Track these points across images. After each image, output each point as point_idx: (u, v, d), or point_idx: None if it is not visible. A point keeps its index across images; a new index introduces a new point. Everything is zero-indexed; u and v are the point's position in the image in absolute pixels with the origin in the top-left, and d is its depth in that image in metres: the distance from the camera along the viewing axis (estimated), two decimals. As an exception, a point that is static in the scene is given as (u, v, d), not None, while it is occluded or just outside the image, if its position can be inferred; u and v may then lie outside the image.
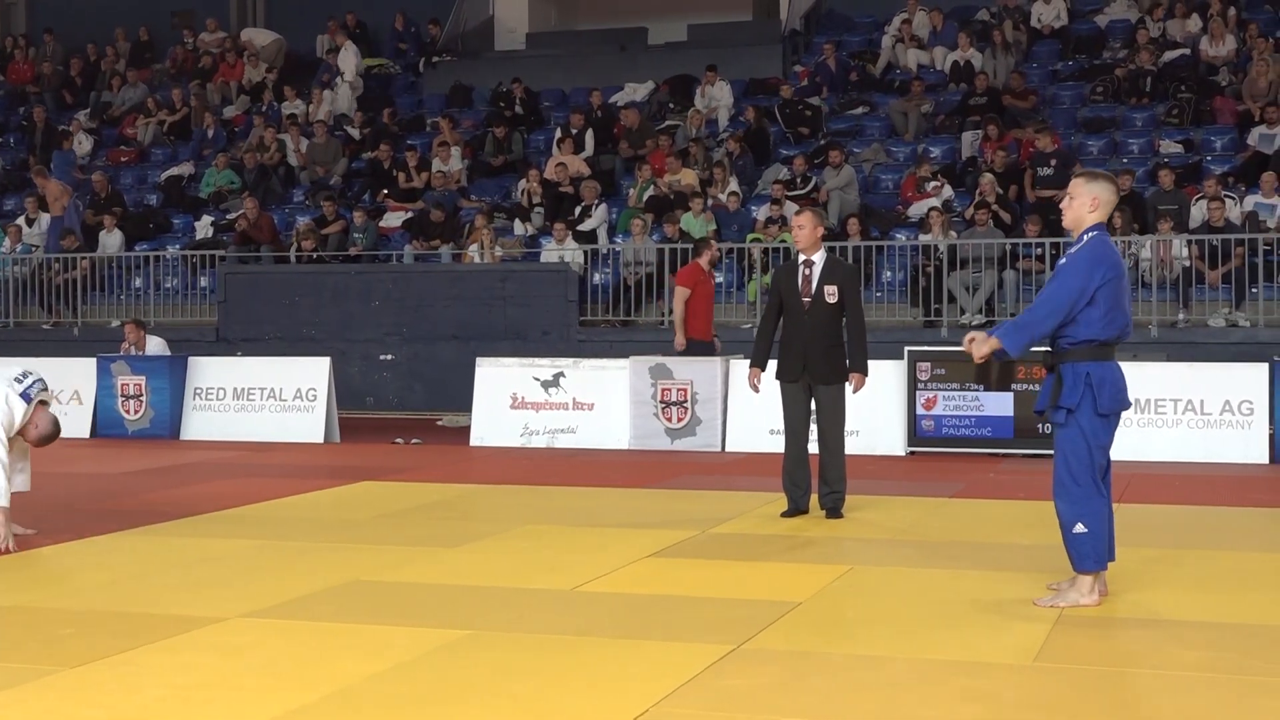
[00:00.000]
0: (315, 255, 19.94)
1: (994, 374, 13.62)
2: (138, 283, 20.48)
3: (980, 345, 6.90)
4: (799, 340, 9.67)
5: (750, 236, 18.35)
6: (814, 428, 9.80)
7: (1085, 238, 6.90)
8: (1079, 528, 6.85)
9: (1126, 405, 6.96)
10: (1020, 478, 11.97)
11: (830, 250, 10.03)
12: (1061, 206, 7.15)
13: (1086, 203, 6.96)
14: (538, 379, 14.99)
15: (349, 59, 24.64)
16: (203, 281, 20.24)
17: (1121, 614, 6.81)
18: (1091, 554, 6.87)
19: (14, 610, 7.00)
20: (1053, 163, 18.09)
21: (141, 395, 16.11)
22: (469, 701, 5.44)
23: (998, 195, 17.93)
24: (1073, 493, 6.87)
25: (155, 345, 16.80)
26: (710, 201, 19.19)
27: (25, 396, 8.67)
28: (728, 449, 14.22)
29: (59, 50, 27.69)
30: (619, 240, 19.16)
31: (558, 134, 21.72)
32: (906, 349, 14.01)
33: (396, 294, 18.60)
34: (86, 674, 5.78)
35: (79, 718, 5.28)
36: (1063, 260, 6.89)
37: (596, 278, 18.71)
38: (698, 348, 14.69)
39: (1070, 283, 6.76)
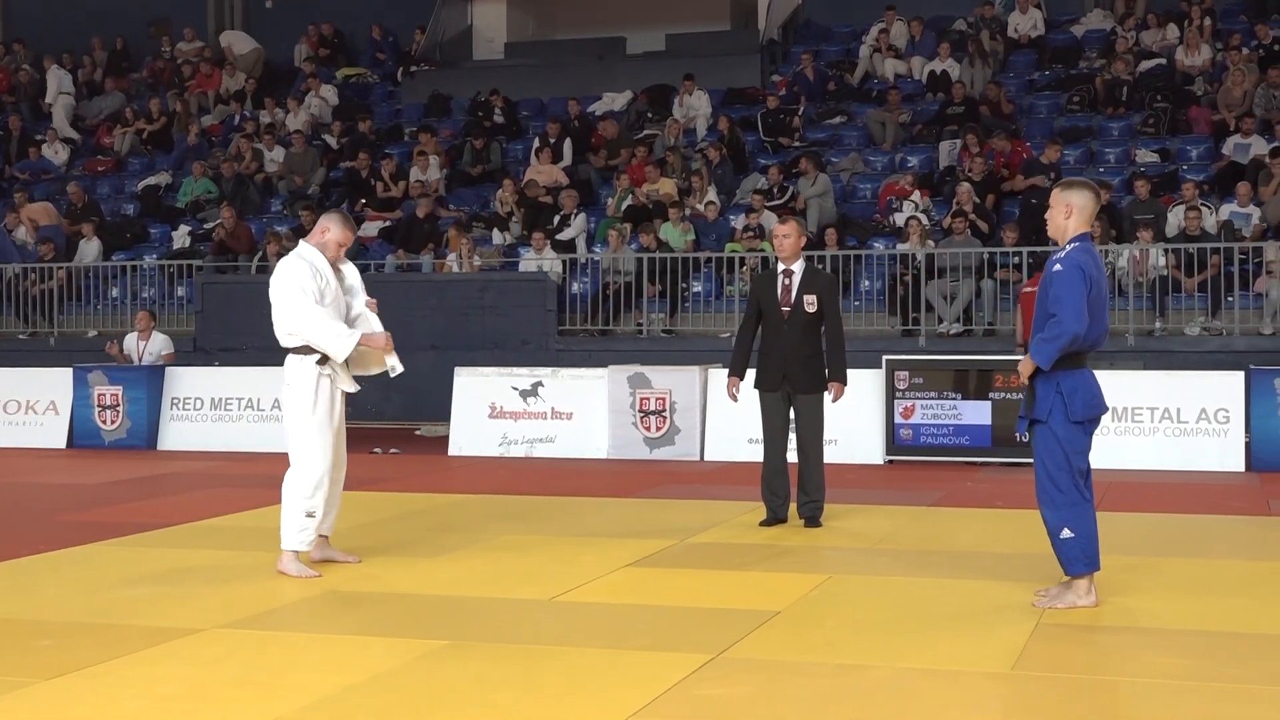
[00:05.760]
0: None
1: (972, 383, 13.67)
2: (114, 293, 20.40)
3: (1024, 365, 6.98)
4: (778, 349, 9.68)
5: (729, 246, 18.37)
6: (793, 436, 9.81)
7: (1068, 247, 6.94)
8: (1066, 533, 6.91)
9: (1102, 410, 7.00)
10: (998, 486, 12.00)
11: (809, 259, 10.05)
12: (1045, 218, 7.23)
13: (1062, 210, 7.05)
14: (516, 388, 14.98)
15: (326, 107, 24.67)
16: (180, 291, 20.16)
17: (1100, 621, 6.83)
18: (1081, 557, 6.93)
19: (-10, 622, 6.96)
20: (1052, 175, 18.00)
21: (118, 405, 16.06)
22: (447, 712, 5.43)
23: (975, 204, 17.98)
24: (1056, 499, 6.92)
25: (160, 342, 16.91)
26: (689, 211, 19.22)
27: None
28: (706, 458, 14.22)
29: (36, 59, 27.59)
30: (597, 250, 19.17)
31: (536, 143, 21.74)
32: (884, 358, 14.03)
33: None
34: (64, 685, 5.76)
35: (56, 730, 5.27)
36: (1057, 268, 6.90)
37: (575, 287, 18.70)
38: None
39: (1076, 288, 6.78)
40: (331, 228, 8.27)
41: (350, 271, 8.49)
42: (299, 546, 8.15)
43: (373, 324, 8.36)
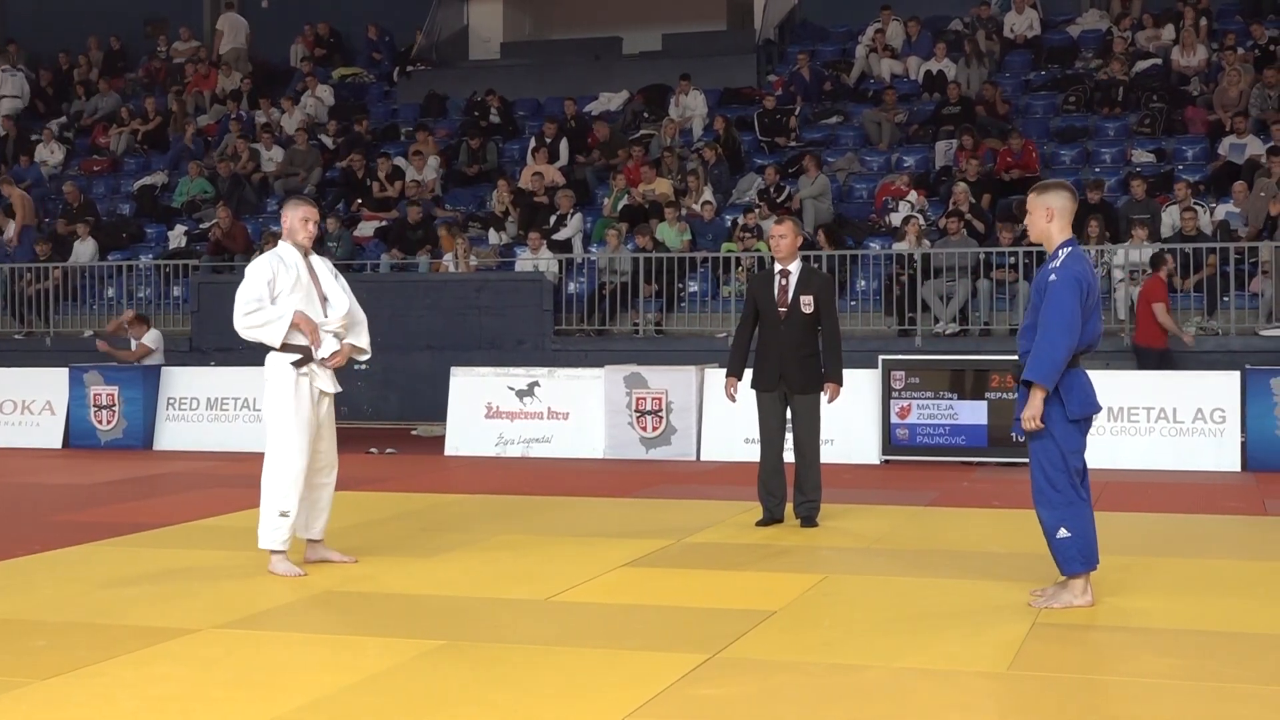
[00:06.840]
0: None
1: (968, 383, 13.66)
2: (110, 292, 20.38)
3: (1030, 409, 6.84)
4: (775, 349, 9.68)
5: (725, 246, 18.37)
6: (789, 436, 9.81)
7: (1061, 254, 6.93)
8: (1062, 532, 6.91)
9: (1096, 409, 7.01)
10: (994, 486, 12.00)
11: (805, 259, 10.04)
12: (1026, 224, 7.23)
13: (1042, 214, 7.04)
14: (512, 388, 14.97)
15: (322, 106, 24.63)
16: (175, 291, 20.15)
17: (1096, 621, 6.83)
18: (1078, 556, 6.93)
19: (-14, 622, 6.96)
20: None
21: (114, 405, 16.05)
22: (443, 712, 5.42)
23: (971, 204, 17.98)
24: (1052, 499, 6.92)
25: (152, 337, 16.89)
26: (685, 211, 19.22)
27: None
28: (703, 458, 14.22)
29: (30, 60, 27.55)
30: (594, 250, 19.16)
31: (532, 143, 21.73)
32: (881, 358, 14.03)
33: (371, 303, 18.35)
34: (59, 686, 5.75)
35: (51, 730, 5.26)
36: (1052, 278, 6.88)
37: (571, 287, 18.70)
38: (1153, 355, 15.17)
39: (1069, 302, 6.78)
40: (287, 213, 8.35)
41: (321, 265, 8.47)
42: (273, 546, 8.13)
43: (335, 309, 8.34)
